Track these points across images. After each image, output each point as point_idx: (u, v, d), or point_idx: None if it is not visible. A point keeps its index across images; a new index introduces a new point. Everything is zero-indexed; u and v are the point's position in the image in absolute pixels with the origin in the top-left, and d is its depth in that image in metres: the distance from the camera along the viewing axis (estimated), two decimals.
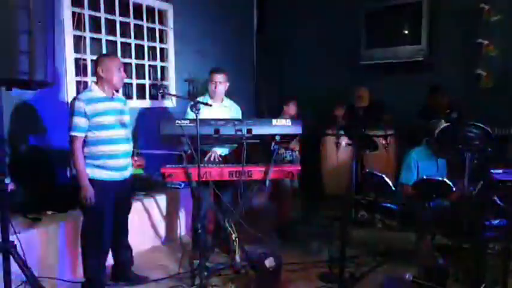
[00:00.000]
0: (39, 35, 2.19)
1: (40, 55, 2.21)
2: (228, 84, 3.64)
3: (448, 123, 3.30)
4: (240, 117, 3.62)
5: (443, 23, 5.09)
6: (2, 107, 2.30)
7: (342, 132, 4.59)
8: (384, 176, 3.07)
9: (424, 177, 3.08)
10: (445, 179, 2.94)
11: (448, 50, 5.08)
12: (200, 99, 3.49)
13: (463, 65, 4.96)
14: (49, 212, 3.30)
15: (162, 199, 4.09)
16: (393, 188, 3.08)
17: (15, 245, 2.29)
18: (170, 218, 4.14)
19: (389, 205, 3.37)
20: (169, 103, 4.92)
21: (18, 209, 3.13)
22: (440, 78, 4.91)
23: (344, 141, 4.75)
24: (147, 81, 4.78)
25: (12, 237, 2.32)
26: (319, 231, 4.06)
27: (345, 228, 3.12)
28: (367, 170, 3.50)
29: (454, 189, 2.96)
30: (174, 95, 4.63)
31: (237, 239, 3.26)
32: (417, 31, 5.09)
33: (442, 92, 4.52)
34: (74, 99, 2.88)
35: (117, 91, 3.06)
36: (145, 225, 3.93)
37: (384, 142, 4.66)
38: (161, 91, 3.85)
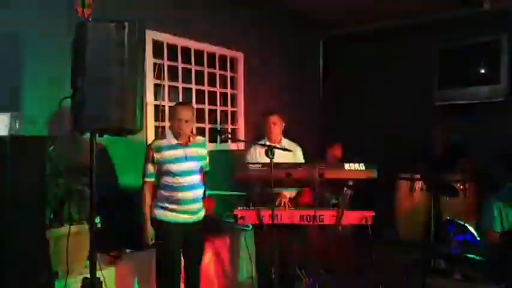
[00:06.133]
0: (130, 87, 2.39)
1: (130, 105, 2.41)
2: (283, 124, 3.64)
3: None
4: (302, 156, 3.62)
5: None
6: (94, 152, 2.49)
7: (417, 176, 4.40)
8: (467, 224, 2.88)
9: None
10: None
11: None
12: (261, 142, 3.54)
13: None
14: (127, 250, 3.46)
15: (229, 240, 4.12)
16: (478, 238, 2.86)
17: (102, 281, 2.41)
18: (236, 260, 4.15)
19: (473, 256, 3.12)
20: (238, 146, 5.06)
21: (101, 246, 3.31)
22: None
23: (418, 186, 4.56)
24: (218, 126, 4.99)
25: (98, 273, 2.45)
26: (393, 279, 3.83)
27: (424, 280, 2.94)
28: (448, 218, 3.30)
29: None
30: (238, 140, 4.79)
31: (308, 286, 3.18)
32: (496, 70, 4.88)
33: None
34: (148, 145, 3.06)
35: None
36: (213, 267, 3.96)
37: (461, 187, 4.40)
38: (223, 135, 3.97)
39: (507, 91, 4.87)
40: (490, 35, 5.01)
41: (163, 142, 2.99)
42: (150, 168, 2.95)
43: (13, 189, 2.09)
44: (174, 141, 2.98)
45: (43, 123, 2.74)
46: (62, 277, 2.60)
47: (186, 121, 2.94)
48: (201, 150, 3.12)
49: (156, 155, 2.93)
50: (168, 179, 2.94)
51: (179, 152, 2.97)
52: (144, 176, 2.98)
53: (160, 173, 2.95)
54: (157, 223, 2.99)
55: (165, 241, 2.95)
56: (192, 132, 3.15)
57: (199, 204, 3.09)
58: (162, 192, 2.97)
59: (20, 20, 3.19)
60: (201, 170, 3.09)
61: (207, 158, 3.20)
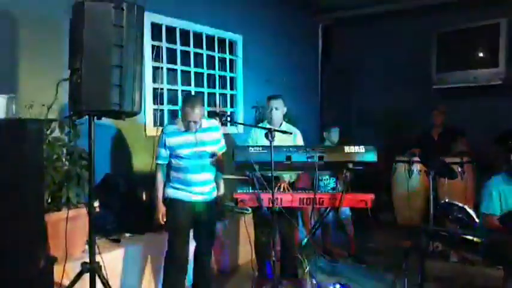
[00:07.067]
0: (129, 69, 2.36)
1: (129, 87, 2.38)
2: (285, 109, 3.64)
3: None
4: (302, 140, 3.63)
5: None
6: (93, 137, 2.47)
7: (415, 158, 4.40)
8: (465, 206, 2.88)
9: None
10: None
11: None
12: (261, 125, 3.51)
13: None
14: (127, 234, 3.45)
15: (228, 223, 4.12)
16: (477, 220, 2.87)
17: (101, 265, 2.41)
18: (236, 243, 4.17)
19: (471, 238, 3.13)
20: (237, 129, 5.04)
21: (100, 230, 3.31)
22: None
23: (416, 168, 4.57)
24: (217, 109, 4.95)
25: (97, 258, 2.46)
26: (391, 263, 3.87)
27: (423, 262, 2.95)
28: (446, 200, 3.30)
29: None
30: (235, 122, 4.77)
31: (307, 270, 3.19)
32: (494, 53, 4.86)
33: None
34: (162, 130, 3.13)
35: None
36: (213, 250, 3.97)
37: (459, 170, 4.41)
38: (224, 119, 3.92)
39: (505, 74, 4.84)
40: (489, 18, 4.97)
41: (174, 128, 3.09)
42: (163, 152, 3.08)
43: (10, 173, 2.06)
44: (184, 128, 3.06)
45: (40, 105, 2.69)
46: (61, 262, 2.59)
47: (195, 122, 2.98)
48: (213, 134, 3.15)
49: (168, 140, 3.03)
50: (179, 162, 3.06)
51: (189, 138, 3.04)
52: (157, 158, 3.12)
53: (172, 156, 3.07)
54: (168, 201, 3.09)
55: (174, 217, 3.04)
56: (200, 118, 3.09)
57: (210, 186, 3.17)
58: (174, 173, 3.10)
59: (17, 1, 3.12)
60: (214, 153, 3.14)
61: (222, 140, 3.23)
